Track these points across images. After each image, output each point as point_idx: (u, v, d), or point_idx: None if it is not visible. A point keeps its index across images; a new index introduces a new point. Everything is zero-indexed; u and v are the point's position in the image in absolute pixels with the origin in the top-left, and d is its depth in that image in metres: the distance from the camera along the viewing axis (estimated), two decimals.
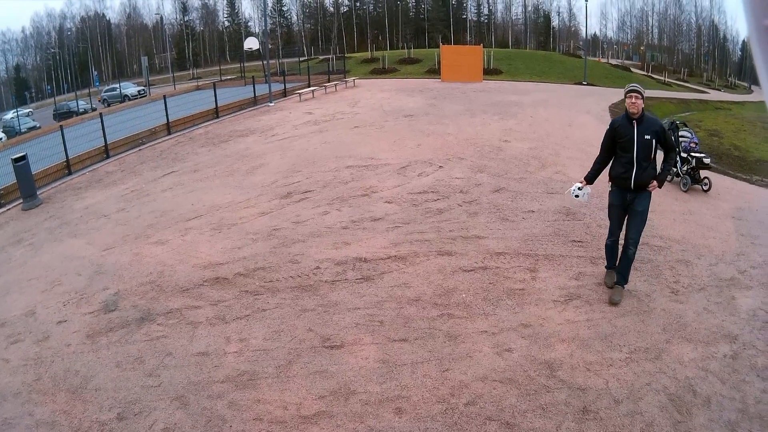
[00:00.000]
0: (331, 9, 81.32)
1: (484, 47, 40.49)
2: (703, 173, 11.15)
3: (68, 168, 15.61)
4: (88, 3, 78.44)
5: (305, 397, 4.66)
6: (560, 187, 10.13)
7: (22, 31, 74.92)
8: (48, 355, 5.62)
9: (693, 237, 8.26)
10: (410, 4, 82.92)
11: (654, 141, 5.93)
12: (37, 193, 13.16)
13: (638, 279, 6.75)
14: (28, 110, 46.47)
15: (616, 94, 29.25)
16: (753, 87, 72.05)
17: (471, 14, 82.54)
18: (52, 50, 73.24)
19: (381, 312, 5.97)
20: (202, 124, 21.36)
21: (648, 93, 26.08)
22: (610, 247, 6.49)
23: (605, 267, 6.70)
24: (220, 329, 5.84)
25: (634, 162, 5.92)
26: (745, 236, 8.45)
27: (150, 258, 8.02)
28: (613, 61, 67.68)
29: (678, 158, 11.19)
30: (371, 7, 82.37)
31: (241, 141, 16.91)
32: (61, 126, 17.54)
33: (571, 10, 79.84)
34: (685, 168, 11.08)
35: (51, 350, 5.71)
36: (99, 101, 43.89)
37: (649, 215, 8.84)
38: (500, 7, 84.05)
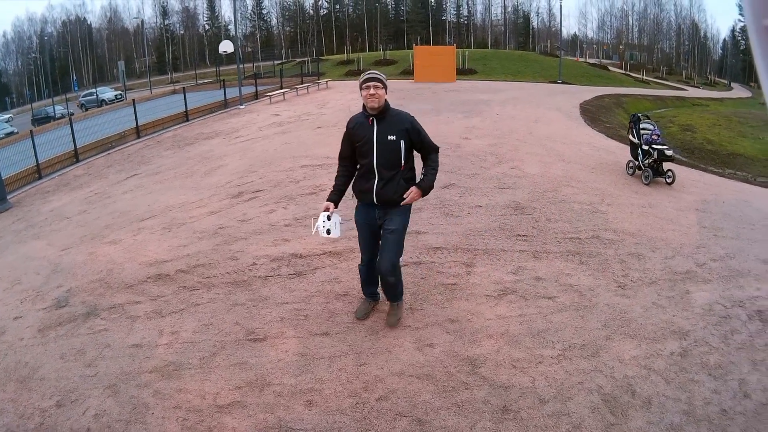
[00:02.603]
0: (311, 12, 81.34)
1: (459, 48, 40.77)
2: (666, 165, 11.09)
3: (38, 172, 15.93)
4: (69, 7, 77.95)
5: (223, 387, 4.71)
6: (513, 182, 10.17)
7: (3, 35, 74.52)
8: (3, 349, 5.84)
9: (650, 230, 8.18)
10: (389, 6, 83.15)
11: (402, 143, 4.75)
12: (7, 197, 13.34)
13: (582, 273, 6.64)
14: (8, 115, 46.23)
15: (589, 92, 29.69)
16: (733, 84, 72.99)
17: (450, 16, 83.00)
18: (33, 55, 72.81)
19: (308, 306, 5.94)
20: (172, 128, 21.49)
21: (624, 90, 27.82)
22: (364, 271, 5.43)
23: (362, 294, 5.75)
24: (155, 323, 5.95)
25: (375, 171, 4.78)
26: (708, 228, 8.40)
27: (102, 257, 8.17)
28: (591, 60, 68.19)
29: (640, 151, 11.21)
30: (350, 9, 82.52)
31: (206, 143, 17.00)
32: (31, 131, 17.79)
33: (550, 10, 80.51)
34: (647, 161, 11.03)
35: (6, 344, 5.93)
36: (77, 106, 43.88)
37: (604, 208, 9.18)
38: (480, 8, 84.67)
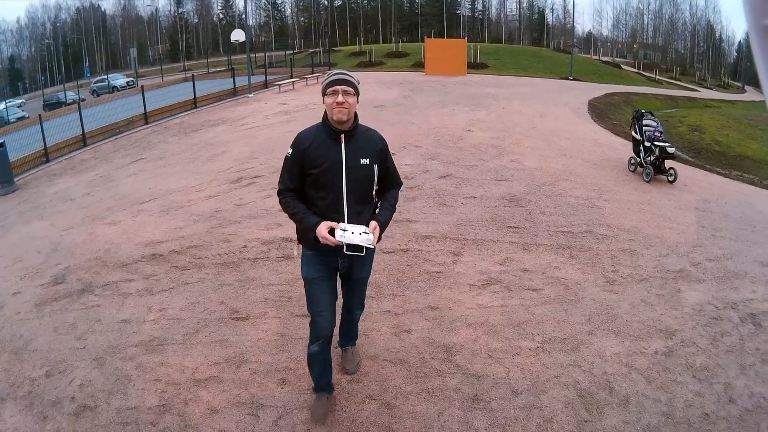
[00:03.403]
0: (325, 2, 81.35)
1: (472, 42, 40.62)
2: (668, 163, 11.00)
3: (46, 156, 16.22)
4: None
5: (202, 362, 4.79)
6: (511, 175, 10.19)
7: (17, 22, 75.08)
8: (0, 322, 6.02)
9: (646, 227, 8.13)
10: None
11: (375, 168, 3.63)
12: (15, 179, 13.64)
13: (571, 267, 6.62)
14: (20, 101, 46.72)
15: (599, 89, 29.47)
16: (747, 87, 72.41)
17: (465, 10, 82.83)
18: (47, 41, 73.28)
19: (292, 289, 5.99)
20: (179, 114, 21.60)
21: (635, 89, 27.89)
22: (318, 355, 3.95)
23: (312, 388, 4.26)
24: (145, 300, 6.08)
25: (343, 205, 3.54)
26: (707, 228, 8.32)
27: (101, 237, 8.37)
28: (605, 58, 67.86)
29: (641, 147, 11.15)
30: (365, 1, 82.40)
31: (212, 130, 17.09)
32: (39, 116, 18.00)
33: (565, 7, 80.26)
34: (648, 158, 10.95)
35: (3, 317, 6.12)
36: (89, 92, 44.26)
37: (601, 203, 9.21)
38: (495, 3, 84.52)
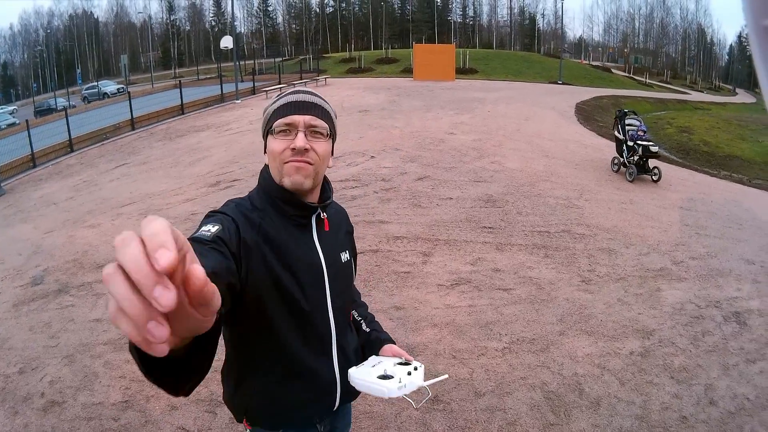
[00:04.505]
0: (317, 9, 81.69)
1: (463, 47, 40.80)
2: (652, 163, 11.03)
3: (33, 161, 16.37)
4: (76, 1, 78.93)
5: None
6: (490, 176, 10.18)
7: (10, 28, 75.29)
8: None
9: (626, 226, 8.11)
10: (395, 5, 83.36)
11: (353, 263, 1.99)
12: (1, 184, 13.83)
13: (545, 266, 6.57)
14: (12, 108, 46.57)
15: (588, 93, 29.65)
16: (738, 90, 72.85)
17: (456, 16, 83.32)
18: (39, 48, 73.36)
19: None
20: (166, 120, 21.69)
21: (625, 92, 28.57)
22: None
23: None
24: None
25: (331, 332, 1.78)
26: (691, 226, 8.31)
27: (80, 239, 8.52)
28: (595, 63, 68.31)
29: (624, 147, 11.17)
30: (356, 8, 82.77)
31: (196, 136, 17.21)
32: (27, 122, 18.25)
33: (557, 12, 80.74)
34: (632, 157, 10.96)
35: None
36: (80, 99, 44.47)
37: (581, 203, 9.19)
38: (486, 9, 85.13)
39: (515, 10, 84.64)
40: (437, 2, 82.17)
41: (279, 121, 1.62)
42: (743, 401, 4.22)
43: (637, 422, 3.94)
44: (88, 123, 19.38)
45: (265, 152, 1.69)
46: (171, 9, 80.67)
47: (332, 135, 1.72)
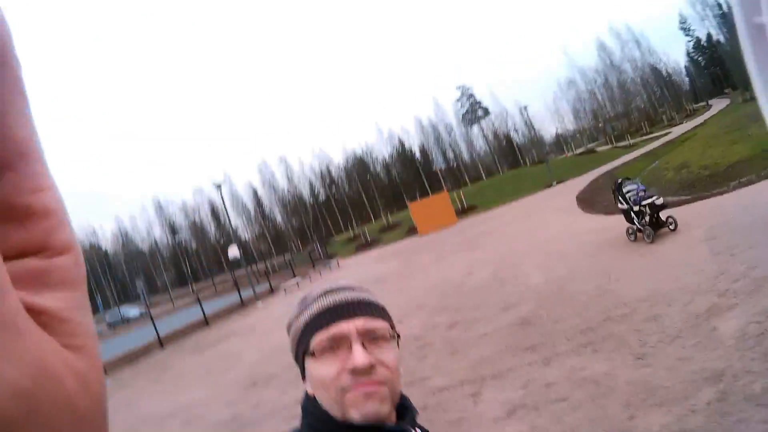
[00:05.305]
0: (311, 200, 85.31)
1: (455, 189, 42.04)
2: (664, 214, 11.05)
3: None
4: (80, 236, 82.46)
5: None
6: (517, 299, 10.13)
7: None
8: None
9: (662, 285, 7.90)
10: (381, 174, 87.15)
11: None
12: None
13: (596, 361, 6.25)
14: None
15: (582, 181, 31.35)
16: (710, 102, 74.73)
17: (439, 163, 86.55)
18: None
19: None
20: (193, 335, 22.35)
21: (615, 164, 32.36)
22: None
23: None
24: None
25: None
26: (722, 253, 8.18)
27: None
28: (579, 150, 70.46)
29: (633, 214, 11.22)
30: (346, 188, 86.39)
31: (225, 342, 17.93)
32: None
33: (526, 122, 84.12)
34: (643, 220, 11.00)
35: None
36: (105, 327, 46.36)
37: (612, 286, 9.14)
38: (463, 146, 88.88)
39: (489, 138, 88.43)
40: (418, 158, 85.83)
41: (319, 337, 1.10)
42: None
43: None
44: (116, 346, 20.13)
45: (303, 379, 1.16)
46: (173, 231, 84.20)
47: (395, 334, 1.19)
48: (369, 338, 1.10)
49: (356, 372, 1.05)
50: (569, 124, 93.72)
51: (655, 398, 4.94)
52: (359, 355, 1.05)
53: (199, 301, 24.56)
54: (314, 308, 1.14)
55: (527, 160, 79.30)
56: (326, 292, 1.17)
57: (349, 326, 1.10)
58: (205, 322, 23.44)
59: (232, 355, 14.71)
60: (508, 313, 9.43)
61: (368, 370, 1.05)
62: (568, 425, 5.11)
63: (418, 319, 11.29)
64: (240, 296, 26.62)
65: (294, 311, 1.20)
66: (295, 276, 29.92)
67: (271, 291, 28.48)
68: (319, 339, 1.09)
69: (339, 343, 1.08)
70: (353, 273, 25.27)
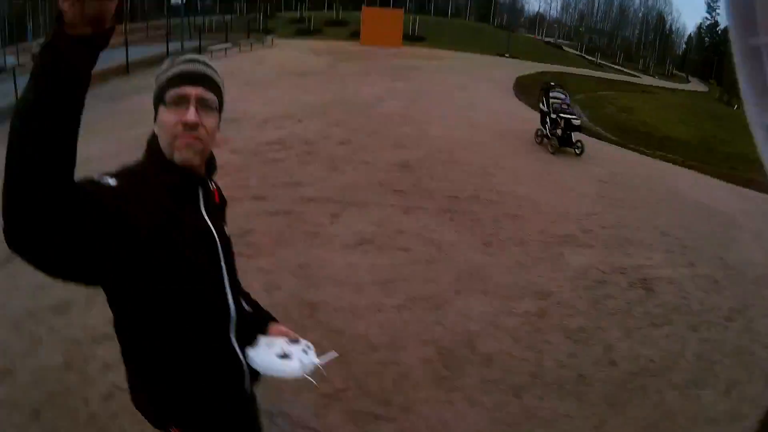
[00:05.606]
0: None
1: (416, 13, 40.61)
2: (576, 136, 11.29)
3: None
4: None
5: (99, 321, 4.70)
6: (410, 143, 10.44)
7: None
8: None
9: (539, 194, 8.28)
10: None
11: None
12: None
13: (448, 229, 6.73)
14: None
15: (533, 68, 30.09)
16: (691, 78, 73.50)
17: None
18: None
19: None
20: (112, 80, 21.20)
21: (572, 70, 29.77)
22: None
23: None
24: None
25: (230, 312, 1.70)
26: (607, 198, 8.50)
27: None
28: (548, 39, 68.44)
29: (548, 119, 11.45)
30: None
31: (138, 98, 16.90)
32: None
33: None
34: (555, 129, 11.23)
35: None
36: (31, 58, 43.51)
37: (496, 171, 9.28)
38: None
39: None
40: None
41: (172, 92, 1.53)
42: (647, 363, 4.36)
43: (530, 379, 4.04)
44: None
45: (155, 121, 1.57)
46: None
47: (221, 108, 1.65)
48: (203, 104, 1.54)
49: (186, 126, 1.50)
50: (554, 11, 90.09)
51: (482, 286, 5.46)
52: (191, 114, 1.50)
53: (126, 45, 23.31)
54: (176, 69, 1.57)
55: (497, 20, 76.66)
56: (187, 61, 1.60)
57: (192, 91, 1.53)
58: (126, 69, 22.47)
59: (141, 113, 14.31)
60: (396, 153, 9.81)
61: (195, 126, 1.51)
62: (401, 275, 5.60)
63: (315, 125, 11.49)
64: (168, 49, 25.23)
65: (163, 67, 1.62)
66: (227, 41, 28.61)
67: (199, 51, 27.24)
68: (171, 93, 1.53)
69: (182, 101, 1.52)
70: (282, 55, 24.57)
